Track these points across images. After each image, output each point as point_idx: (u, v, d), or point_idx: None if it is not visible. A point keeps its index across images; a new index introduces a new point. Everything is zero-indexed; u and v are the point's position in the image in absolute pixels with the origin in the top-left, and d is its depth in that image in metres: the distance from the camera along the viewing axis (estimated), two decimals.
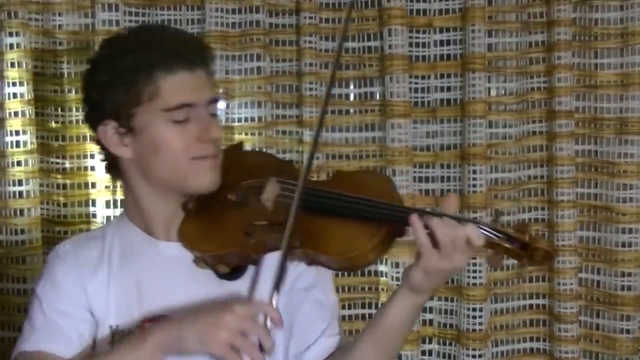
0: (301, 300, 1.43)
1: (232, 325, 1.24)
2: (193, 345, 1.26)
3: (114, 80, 1.38)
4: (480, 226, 1.30)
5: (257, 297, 1.38)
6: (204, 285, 1.41)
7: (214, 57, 1.49)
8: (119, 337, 1.41)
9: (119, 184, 2.22)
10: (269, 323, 1.25)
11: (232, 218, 1.42)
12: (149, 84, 1.36)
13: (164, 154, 1.38)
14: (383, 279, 2.54)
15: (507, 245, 1.30)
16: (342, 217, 1.37)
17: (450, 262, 1.29)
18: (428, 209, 1.38)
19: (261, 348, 1.24)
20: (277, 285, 1.29)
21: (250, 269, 1.42)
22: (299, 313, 1.42)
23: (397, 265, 2.46)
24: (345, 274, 2.46)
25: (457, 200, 1.38)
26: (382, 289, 2.55)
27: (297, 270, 1.42)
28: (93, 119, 1.44)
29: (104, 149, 1.45)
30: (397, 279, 2.45)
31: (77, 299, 1.43)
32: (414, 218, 1.29)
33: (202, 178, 1.41)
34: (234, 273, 1.41)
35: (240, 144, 1.65)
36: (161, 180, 1.42)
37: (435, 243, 1.28)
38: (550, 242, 1.35)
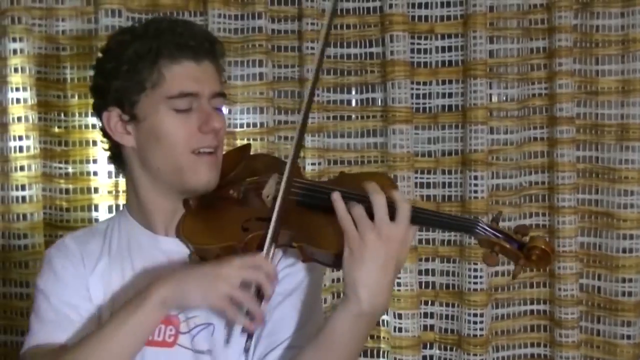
0: (277, 303, 1.41)
1: (232, 276, 1.27)
2: (195, 299, 1.29)
3: (120, 67, 1.40)
4: (480, 225, 1.31)
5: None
6: None
7: (223, 52, 1.49)
8: None
9: (122, 185, 2.25)
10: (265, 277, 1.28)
11: (231, 214, 1.42)
12: (153, 72, 1.38)
13: (164, 143, 1.40)
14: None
15: (504, 244, 1.31)
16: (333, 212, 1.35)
17: (364, 244, 1.24)
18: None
19: (260, 298, 1.28)
20: (272, 240, 1.32)
21: None
22: (272, 314, 1.40)
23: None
24: None
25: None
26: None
27: (281, 274, 1.41)
28: (98, 106, 1.46)
29: (108, 137, 1.47)
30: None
31: (79, 291, 1.45)
32: (335, 196, 1.28)
33: (200, 175, 1.42)
34: None
35: (248, 146, 1.65)
36: (160, 173, 1.42)
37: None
38: (547, 241, 1.34)
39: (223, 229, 1.41)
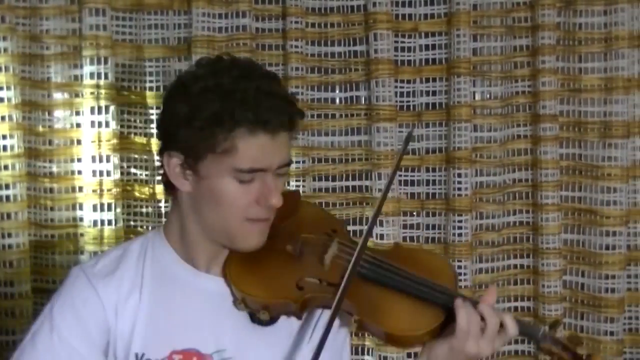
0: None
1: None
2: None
3: (193, 119, 1.32)
4: (545, 336, 1.40)
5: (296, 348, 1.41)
6: (237, 326, 1.41)
7: (303, 118, 1.42)
8: None
9: (106, 184, 2.24)
10: None
11: (285, 268, 1.42)
12: (227, 140, 1.31)
13: (221, 207, 1.36)
14: None
15: (563, 355, 1.40)
16: (400, 292, 1.41)
17: (477, 348, 1.36)
18: (471, 298, 1.44)
19: None
20: (332, 317, 1.33)
21: (283, 318, 1.42)
22: None
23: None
24: None
25: (495, 291, 1.48)
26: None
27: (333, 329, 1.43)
28: (163, 143, 1.40)
29: (164, 172, 1.41)
30: None
31: (93, 336, 1.39)
32: (459, 302, 1.37)
33: (249, 240, 1.40)
34: (270, 320, 1.41)
35: (297, 193, 1.65)
36: (210, 228, 1.40)
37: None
38: (602, 356, 1.45)
39: (275, 282, 1.40)
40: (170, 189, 1.42)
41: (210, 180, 1.35)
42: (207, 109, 1.31)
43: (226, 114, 1.31)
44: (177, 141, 1.35)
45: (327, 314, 1.41)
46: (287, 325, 1.43)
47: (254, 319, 1.41)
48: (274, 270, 1.42)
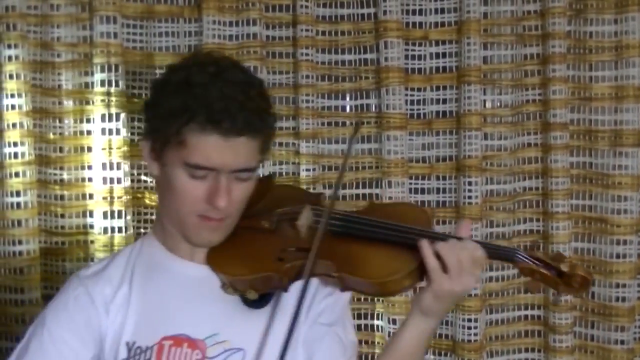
0: (323, 335, 1.44)
1: None
2: None
3: (156, 110, 1.39)
4: (519, 254, 1.40)
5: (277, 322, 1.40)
6: (228, 309, 1.42)
7: (268, 124, 1.41)
8: (135, 353, 1.40)
9: (116, 192, 2.25)
10: None
11: (264, 244, 1.44)
12: (179, 133, 1.34)
13: (175, 196, 1.39)
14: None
15: (544, 271, 1.39)
16: (375, 242, 1.42)
17: (460, 284, 1.35)
18: (440, 234, 1.44)
19: None
20: (307, 280, 1.35)
21: (273, 300, 1.43)
22: (320, 346, 1.43)
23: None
24: None
25: (469, 224, 1.46)
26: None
27: (322, 304, 1.45)
28: (144, 126, 1.46)
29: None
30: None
31: (82, 331, 1.42)
32: (423, 243, 1.36)
33: (201, 236, 1.42)
34: (260, 301, 1.42)
35: (270, 176, 1.67)
36: (170, 216, 1.43)
37: (444, 267, 1.35)
38: (586, 269, 1.42)
39: (257, 259, 1.42)
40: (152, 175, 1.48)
41: (168, 168, 1.39)
42: (168, 100, 1.36)
43: (181, 107, 1.34)
44: (149, 127, 1.42)
45: (312, 283, 1.43)
46: (281, 305, 1.43)
47: (246, 302, 1.41)
48: (254, 248, 1.44)
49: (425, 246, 1.36)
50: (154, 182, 1.50)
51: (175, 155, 1.37)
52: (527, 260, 1.40)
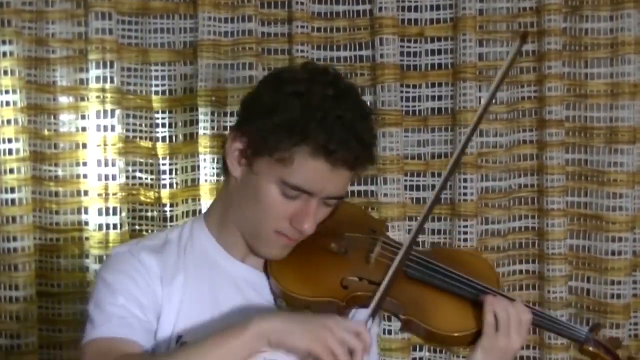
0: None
1: (337, 333, 1.25)
2: (299, 340, 1.24)
3: (270, 116, 1.33)
4: (590, 337, 1.44)
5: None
6: None
7: (371, 165, 1.41)
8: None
9: (111, 188, 2.24)
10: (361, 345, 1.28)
11: (330, 266, 1.42)
12: (288, 151, 1.31)
13: (257, 207, 1.37)
14: None
15: (604, 356, 1.43)
16: (445, 292, 1.43)
17: (508, 341, 1.39)
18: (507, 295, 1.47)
19: None
20: (373, 314, 1.34)
21: None
22: None
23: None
24: None
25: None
26: None
27: (372, 337, 1.43)
28: (238, 120, 1.42)
29: (225, 150, 1.43)
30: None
31: (149, 299, 1.38)
32: (492, 300, 1.40)
33: (270, 250, 1.42)
34: None
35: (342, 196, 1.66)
36: (244, 220, 1.41)
37: (496, 324, 1.39)
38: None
39: (320, 282, 1.40)
40: (225, 169, 1.43)
41: (258, 177, 1.36)
42: (286, 114, 1.32)
43: (299, 126, 1.30)
44: (249, 127, 1.37)
45: (362, 312, 1.41)
46: None
47: None
48: (317, 268, 1.42)
49: (491, 302, 1.40)
50: (220, 174, 1.44)
51: (272, 169, 1.34)
52: (597, 346, 1.43)
